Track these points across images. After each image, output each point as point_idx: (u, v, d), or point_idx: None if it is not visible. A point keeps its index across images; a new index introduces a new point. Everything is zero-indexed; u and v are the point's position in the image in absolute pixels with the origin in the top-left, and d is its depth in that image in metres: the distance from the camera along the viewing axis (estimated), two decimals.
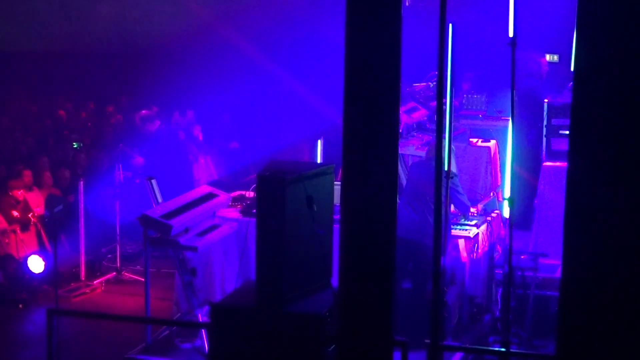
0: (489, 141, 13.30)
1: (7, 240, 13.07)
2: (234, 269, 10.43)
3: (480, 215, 10.98)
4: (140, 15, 21.05)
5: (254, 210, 7.88)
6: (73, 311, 11.51)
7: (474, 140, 13.31)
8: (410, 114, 13.32)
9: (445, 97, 7.89)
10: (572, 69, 4.99)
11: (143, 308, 10.30)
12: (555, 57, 13.50)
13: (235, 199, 11.18)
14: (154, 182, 10.24)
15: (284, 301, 7.52)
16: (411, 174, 10.64)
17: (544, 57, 13.11)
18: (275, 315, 7.50)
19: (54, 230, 12.74)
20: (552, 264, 10.57)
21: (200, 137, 16.75)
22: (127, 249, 13.92)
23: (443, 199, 5.82)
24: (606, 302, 4.74)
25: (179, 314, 10.47)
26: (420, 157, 11.61)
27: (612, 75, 4.65)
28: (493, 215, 11.23)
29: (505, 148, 12.15)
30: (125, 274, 13.18)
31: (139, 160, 14.62)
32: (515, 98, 7.96)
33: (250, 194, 11.18)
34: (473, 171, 12.81)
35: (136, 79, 20.51)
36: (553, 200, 11.32)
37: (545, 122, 11.71)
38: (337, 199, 7.53)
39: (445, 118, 7.79)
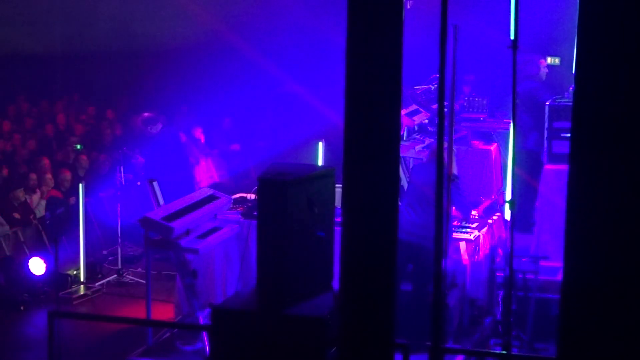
0: (491, 144, 13.30)
1: (8, 242, 13.07)
2: (235, 272, 10.43)
3: (482, 217, 10.98)
4: (141, 17, 21.06)
5: (255, 213, 7.89)
6: (74, 313, 11.51)
7: (476, 143, 13.31)
8: (412, 116, 13.31)
9: (447, 100, 7.89)
10: (573, 71, 4.99)
11: (144, 310, 10.31)
12: (557, 60, 13.51)
13: (236, 202, 11.18)
14: (155, 184, 10.24)
15: (285, 304, 7.52)
16: (412, 176, 10.64)
17: (544, 59, 13.09)
18: (276, 317, 7.50)
19: (55, 232, 12.75)
20: (554, 267, 10.56)
21: (202, 140, 16.75)
22: (128, 251, 13.93)
23: (444, 201, 5.81)
24: (608, 305, 4.73)
25: (180, 317, 10.48)
26: (422, 159, 11.61)
27: (614, 77, 4.64)
28: (494, 217, 11.23)
29: (507, 151, 12.18)
30: (127, 276, 13.19)
31: (140, 160, 14.63)
32: (516, 101, 7.97)
33: (252, 196, 11.18)
34: (474, 174, 12.80)
35: (137, 81, 20.51)
36: (554, 203, 11.31)
37: (546, 125, 11.70)
38: (338, 202, 7.53)
39: (447, 121, 7.79)
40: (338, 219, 6.83)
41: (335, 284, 7.77)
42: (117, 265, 13.38)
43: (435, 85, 13.07)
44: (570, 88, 11.51)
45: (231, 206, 10.80)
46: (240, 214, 10.89)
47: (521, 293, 10.17)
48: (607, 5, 4.64)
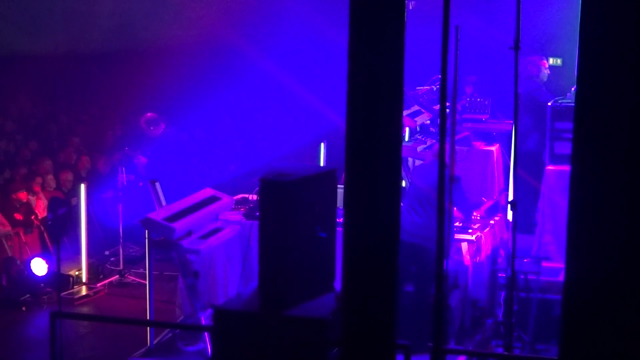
0: (492, 145, 13.30)
1: (10, 243, 13.08)
2: (237, 272, 10.43)
3: (483, 218, 10.98)
4: (144, 18, 21.05)
5: (257, 214, 7.88)
6: (76, 314, 11.52)
7: (478, 143, 13.31)
8: (414, 117, 13.32)
9: (449, 101, 7.89)
10: (575, 72, 5.00)
11: (146, 311, 10.32)
12: (559, 61, 13.52)
13: (238, 202, 11.18)
14: (157, 185, 10.25)
15: (286, 305, 7.51)
16: (414, 177, 10.64)
17: (545, 59, 13.09)
18: (278, 318, 7.50)
19: (57, 233, 12.75)
20: (555, 268, 10.56)
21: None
22: (130, 251, 13.93)
23: (446, 202, 5.82)
24: (610, 306, 4.73)
25: (182, 317, 10.48)
26: (424, 160, 11.61)
27: (616, 78, 4.64)
28: (496, 218, 11.23)
29: (508, 151, 12.18)
30: (128, 276, 13.19)
31: (142, 160, 14.63)
32: (523, 101, 7.98)
33: (254, 197, 11.17)
34: (476, 175, 12.80)
35: (140, 82, 20.50)
36: (556, 203, 11.31)
37: (548, 126, 11.70)
38: (340, 203, 7.53)
39: (449, 122, 7.79)
40: (340, 220, 6.83)
41: (337, 284, 7.77)
42: (119, 266, 13.38)
43: (437, 86, 13.07)
44: (572, 89, 11.52)
45: (233, 207, 10.80)
46: (242, 214, 10.89)
47: (523, 294, 10.17)
48: (609, 5, 4.64)
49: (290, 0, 19.34)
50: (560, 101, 11.82)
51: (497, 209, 11.74)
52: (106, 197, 14.15)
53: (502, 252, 10.94)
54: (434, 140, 12.17)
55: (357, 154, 5.21)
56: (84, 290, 12.74)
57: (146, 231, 9.95)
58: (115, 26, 20.98)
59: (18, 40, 20.53)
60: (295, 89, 18.10)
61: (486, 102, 13.85)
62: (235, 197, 11.15)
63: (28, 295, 12.25)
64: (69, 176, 14.95)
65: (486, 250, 10.59)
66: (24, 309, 12.10)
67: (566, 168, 10.85)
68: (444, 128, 5.87)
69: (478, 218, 10.87)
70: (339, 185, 7.98)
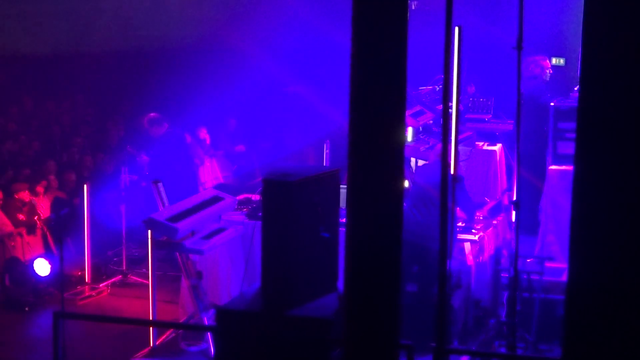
0: (495, 145, 13.31)
1: (13, 244, 13.08)
2: (240, 272, 10.43)
3: (486, 218, 10.97)
4: (147, 18, 21.06)
5: (260, 214, 7.88)
6: (79, 314, 11.52)
7: (480, 143, 13.31)
8: (417, 117, 13.33)
9: (451, 101, 7.89)
10: (578, 72, 4.99)
11: (149, 311, 10.33)
12: (562, 61, 13.51)
13: (241, 202, 11.18)
14: (159, 185, 10.25)
15: (289, 305, 7.52)
16: (417, 177, 10.64)
17: (547, 59, 13.08)
18: (281, 318, 7.50)
19: (60, 233, 12.74)
20: (558, 268, 10.56)
21: (208, 140, 16.75)
22: (133, 252, 13.93)
23: (449, 202, 5.82)
24: (613, 306, 4.73)
25: (185, 317, 10.48)
26: (426, 160, 11.62)
27: (619, 78, 4.64)
28: (499, 218, 11.23)
29: (511, 151, 12.17)
30: (131, 277, 13.19)
31: (144, 158, 14.62)
32: (523, 101, 7.97)
33: (257, 197, 11.18)
34: (479, 174, 12.81)
35: (143, 82, 20.51)
36: (559, 203, 11.31)
37: (551, 126, 11.70)
38: (343, 203, 7.53)
39: (452, 121, 7.79)
40: (343, 220, 6.83)
41: (340, 284, 7.78)
42: (121, 266, 13.38)
43: (440, 86, 13.07)
44: (575, 89, 11.52)
45: (236, 207, 10.80)
46: (245, 214, 10.89)
47: (526, 294, 10.17)
48: (612, 6, 4.64)
49: (293, 0, 19.34)
50: (563, 101, 11.82)
51: (500, 209, 11.74)
52: (109, 197, 14.15)
53: (505, 252, 10.93)
54: (437, 140, 12.17)
55: (360, 154, 5.21)
56: (86, 291, 12.74)
57: (149, 231, 9.95)
58: (117, 26, 21.00)
59: (21, 40, 20.55)
60: (298, 89, 18.11)
61: (489, 102, 13.85)
62: (238, 197, 11.14)
63: (31, 296, 12.25)
64: (72, 176, 14.95)
65: (489, 250, 10.58)
66: (26, 309, 12.10)
67: (569, 168, 10.88)
68: (447, 128, 5.88)
69: (481, 218, 10.86)
70: (342, 186, 7.98)
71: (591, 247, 4.76)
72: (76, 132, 18.59)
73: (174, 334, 10.36)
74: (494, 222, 11.01)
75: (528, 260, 10.35)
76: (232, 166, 16.47)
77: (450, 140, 7.62)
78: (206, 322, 9.79)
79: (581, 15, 4.75)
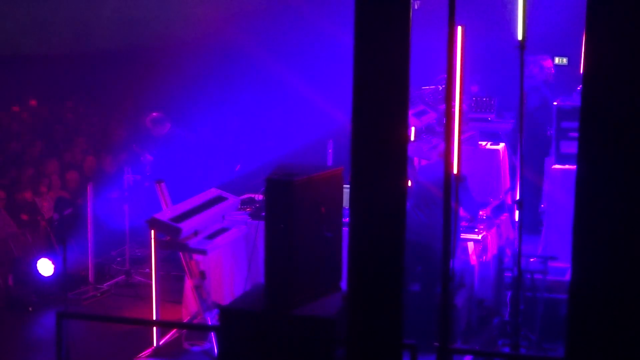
0: (498, 144, 13.30)
1: (16, 244, 13.09)
2: (243, 272, 10.43)
3: (490, 218, 10.97)
4: (150, 18, 21.08)
5: (263, 213, 7.89)
6: (82, 314, 11.52)
7: (483, 143, 13.31)
8: (420, 117, 13.32)
9: (454, 100, 7.89)
10: (581, 71, 4.99)
11: (152, 311, 10.32)
12: (564, 60, 13.50)
13: (244, 202, 11.18)
14: (163, 185, 10.25)
15: (293, 304, 7.52)
16: (420, 176, 10.64)
17: (549, 59, 13.06)
18: (284, 318, 7.50)
19: (63, 233, 12.75)
20: (562, 267, 10.56)
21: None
22: (136, 252, 13.93)
23: (452, 201, 5.81)
24: (616, 305, 4.73)
25: (188, 317, 10.48)
26: (429, 160, 11.61)
27: (622, 77, 4.64)
28: (502, 218, 11.22)
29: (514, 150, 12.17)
30: (135, 277, 13.19)
31: (148, 158, 14.63)
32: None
33: (260, 197, 11.18)
34: (482, 174, 12.79)
35: (146, 82, 20.52)
36: (562, 203, 11.30)
37: (554, 125, 11.69)
38: (346, 202, 7.54)
39: (454, 121, 7.79)
40: (346, 220, 6.83)
41: (343, 284, 7.77)
42: (125, 266, 13.39)
43: (443, 86, 13.07)
44: (578, 88, 11.50)
45: (239, 207, 10.80)
46: (248, 214, 10.90)
47: (529, 293, 10.16)
48: (615, 4, 4.64)
49: (296, 0, 19.35)
50: (565, 100, 11.82)
51: (503, 208, 11.74)
52: (112, 197, 14.16)
53: (508, 252, 10.92)
54: (440, 140, 12.16)
55: (363, 154, 5.22)
56: (90, 291, 12.74)
57: (152, 231, 9.95)
58: (120, 26, 21.02)
59: (24, 40, 20.58)
60: (301, 89, 18.12)
61: (492, 102, 13.84)
62: (241, 197, 11.15)
63: (34, 296, 12.26)
64: (75, 176, 14.96)
65: (492, 249, 10.58)
66: (30, 309, 12.11)
67: (572, 167, 10.88)
68: (450, 127, 5.88)
69: (484, 217, 10.86)
70: (345, 185, 7.98)
71: (594, 247, 4.76)
72: (79, 132, 18.61)
73: (177, 334, 10.36)
74: (497, 221, 11.01)
75: (531, 260, 10.35)
76: (236, 166, 16.47)
77: (453, 139, 7.63)
78: (209, 322, 9.79)
79: (584, 14, 4.75)
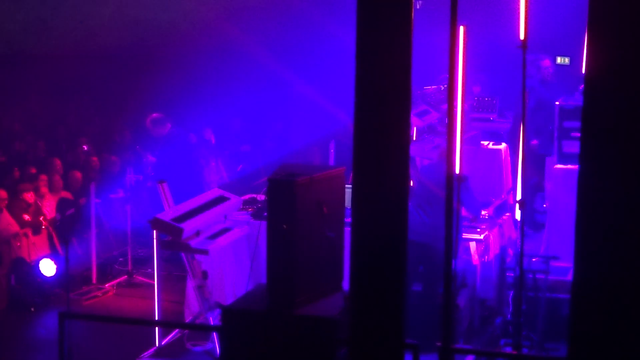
0: (500, 144, 13.29)
1: (18, 244, 13.09)
2: (245, 272, 10.43)
3: (492, 218, 10.97)
4: (150, 18, 21.07)
5: (265, 214, 7.89)
6: (85, 314, 11.53)
7: (485, 143, 13.30)
8: (422, 117, 13.31)
9: (456, 100, 7.89)
10: (583, 71, 4.99)
11: (154, 311, 10.33)
12: (567, 60, 13.49)
13: (246, 202, 11.19)
14: (165, 185, 10.25)
15: (295, 304, 7.51)
16: (422, 177, 10.64)
17: (547, 59, 13.03)
18: (286, 318, 7.50)
19: (66, 233, 12.76)
20: (564, 267, 10.56)
21: (213, 141, 16.77)
22: (138, 252, 13.94)
23: (454, 201, 5.82)
24: (618, 304, 4.73)
25: (190, 317, 10.49)
26: (431, 160, 11.61)
27: (624, 77, 4.64)
28: (504, 217, 11.22)
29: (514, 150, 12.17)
30: (137, 277, 13.20)
31: (151, 159, 14.63)
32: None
33: (262, 197, 11.19)
34: (484, 174, 12.79)
35: (147, 82, 20.53)
36: (564, 202, 11.29)
37: (556, 125, 11.69)
38: (348, 202, 7.53)
39: (456, 121, 7.79)
40: (348, 220, 6.83)
41: (346, 284, 7.78)
42: (127, 266, 13.39)
43: (445, 86, 13.07)
44: (580, 88, 11.50)
45: (241, 207, 10.81)
46: (250, 214, 10.90)
47: (531, 293, 10.17)
48: (616, 4, 4.64)
49: (298, 0, 19.34)
50: (567, 100, 11.81)
51: (505, 208, 11.74)
52: (115, 198, 14.16)
53: (510, 251, 10.93)
54: (442, 140, 12.16)
55: (365, 154, 5.22)
56: (92, 291, 12.74)
57: (154, 231, 9.96)
58: (123, 26, 21.01)
59: (26, 40, 20.57)
60: (303, 89, 18.11)
61: (494, 102, 13.83)
62: (243, 197, 11.15)
63: (37, 296, 12.27)
64: (77, 176, 14.97)
65: (494, 249, 10.58)
66: (32, 309, 12.12)
67: (574, 167, 10.88)
68: (452, 127, 5.88)
69: (486, 217, 10.86)
70: (347, 185, 7.98)
71: (596, 246, 4.76)
72: (82, 132, 18.61)
73: (179, 334, 10.37)
74: (499, 221, 11.01)
75: (533, 260, 10.35)
76: (238, 166, 16.48)
77: (455, 139, 7.63)
78: (212, 322, 9.79)
79: (586, 14, 4.75)
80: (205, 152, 15.81)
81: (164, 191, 10.21)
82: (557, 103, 11.76)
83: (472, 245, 10.21)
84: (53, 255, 12.86)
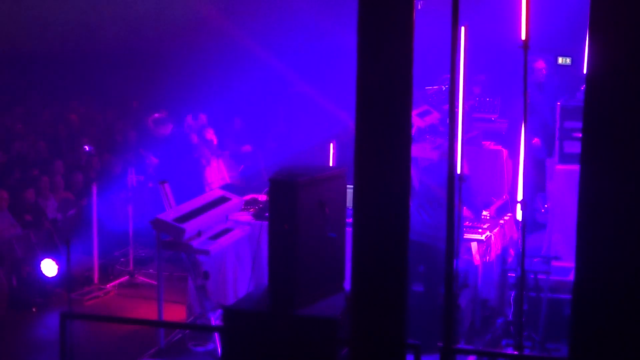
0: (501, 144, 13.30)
1: (20, 244, 13.09)
2: (247, 273, 10.44)
3: (493, 218, 10.97)
4: (152, 18, 21.07)
5: (267, 214, 7.89)
6: (86, 315, 11.53)
7: (487, 143, 13.31)
8: (423, 117, 13.32)
9: (458, 100, 7.90)
10: (584, 71, 4.99)
11: (156, 312, 10.33)
12: (568, 60, 13.49)
13: (247, 203, 11.19)
14: (166, 185, 10.26)
15: (296, 305, 7.52)
16: (423, 177, 10.64)
17: (540, 61, 12.99)
18: (287, 318, 7.50)
19: (67, 233, 12.75)
20: (565, 267, 10.55)
21: (215, 141, 16.77)
22: (140, 252, 13.94)
23: (455, 201, 5.82)
24: (619, 304, 4.73)
25: (192, 318, 10.49)
26: (433, 160, 11.61)
27: (625, 77, 4.64)
28: (505, 218, 11.22)
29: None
30: (138, 277, 13.19)
31: (154, 161, 14.64)
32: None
33: (263, 197, 11.19)
34: (485, 174, 12.79)
35: (148, 82, 20.54)
36: (566, 203, 11.29)
37: (558, 125, 11.69)
38: (349, 203, 7.53)
39: (458, 121, 7.80)
40: (349, 220, 6.83)
41: (347, 284, 7.78)
42: (129, 266, 13.39)
43: (447, 86, 13.07)
44: (582, 88, 11.49)
45: (242, 207, 10.81)
46: (252, 215, 10.90)
47: (533, 293, 10.17)
48: (618, 4, 4.64)
49: (299, 0, 19.35)
50: (569, 100, 11.81)
51: (507, 208, 11.74)
52: (116, 198, 14.16)
53: (511, 252, 10.92)
54: (443, 140, 12.16)
55: (366, 154, 5.22)
56: (94, 291, 12.74)
57: (156, 232, 9.96)
58: (124, 26, 21.01)
59: (27, 40, 20.58)
60: (305, 89, 18.11)
61: (495, 102, 13.84)
62: (244, 198, 11.15)
63: (38, 296, 12.26)
64: (79, 177, 14.97)
65: (496, 249, 10.58)
66: (34, 309, 12.11)
67: (575, 167, 10.88)
68: (453, 128, 5.88)
69: (488, 217, 10.85)
70: (348, 185, 7.98)
71: (598, 247, 4.76)
72: (83, 133, 18.61)
73: (181, 335, 10.37)
74: (501, 221, 11.01)
75: (535, 260, 10.35)
76: (239, 166, 16.48)
77: (457, 139, 7.63)
78: (213, 323, 9.79)
79: (587, 14, 4.75)
80: (207, 152, 15.82)
81: (166, 192, 10.21)
82: (558, 103, 11.76)
83: (474, 245, 10.21)
84: (54, 256, 12.85)
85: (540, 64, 12.79)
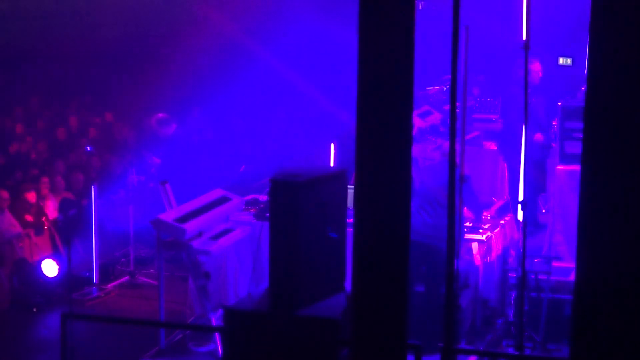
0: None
1: (21, 245, 13.11)
2: (248, 273, 10.44)
3: (494, 218, 10.97)
4: (154, 19, 21.08)
5: (268, 214, 7.89)
6: (87, 315, 11.53)
7: (487, 143, 13.31)
8: (424, 117, 13.32)
9: (459, 101, 7.89)
10: (585, 72, 4.99)
11: (157, 312, 10.34)
12: (569, 60, 13.50)
13: (248, 203, 11.19)
14: (167, 185, 10.26)
15: (297, 305, 7.52)
16: (424, 177, 10.63)
17: (535, 62, 12.93)
18: (288, 319, 7.50)
19: (68, 234, 12.76)
20: (566, 267, 10.56)
21: (215, 141, 16.77)
22: (140, 253, 13.94)
23: (456, 202, 5.82)
24: (621, 305, 4.73)
25: (193, 318, 10.49)
26: (433, 160, 11.61)
27: (626, 78, 4.64)
28: (506, 218, 11.22)
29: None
30: (139, 277, 13.19)
31: (156, 161, 14.63)
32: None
33: (264, 197, 11.19)
34: (486, 174, 12.79)
35: (149, 82, 20.52)
36: (566, 203, 11.29)
37: (559, 125, 11.69)
38: (350, 203, 7.54)
39: (459, 121, 7.79)
40: (350, 220, 6.83)
41: (348, 285, 7.78)
42: (129, 267, 13.39)
43: (448, 86, 13.07)
44: (582, 88, 11.49)
45: (243, 207, 10.81)
46: (253, 215, 10.90)
47: (534, 294, 10.17)
48: (619, 5, 4.64)
49: (300, 1, 19.35)
50: (570, 101, 11.82)
51: (508, 208, 11.74)
52: (117, 198, 14.17)
53: (512, 252, 10.92)
54: (444, 140, 12.16)
55: (367, 155, 5.22)
56: (94, 292, 12.75)
57: (157, 232, 9.96)
58: (124, 27, 21.01)
59: (28, 40, 20.57)
60: (305, 90, 18.11)
61: (496, 102, 13.83)
62: (245, 198, 11.15)
63: (39, 297, 12.26)
64: (79, 177, 14.98)
65: (497, 250, 10.58)
66: (34, 310, 12.11)
67: (576, 167, 10.88)
68: (454, 128, 5.88)
69: (488, 218, 10.85)
70: (349, 186, 7.99)
71: (599, 247, 4.76)
72: (84, 133, 18.62)
73: (181, 335, 10.37)
74: (502, 222, 11.01)
75: (536, 260, 10.35)
76: (240, 167, 16.48)
77: (458, 140, 7.63)
78: (214, 323, 9.80)
79: (588, 14, 4.75)
80: (207, 152, 15.82)
81: (166, 192, 10.21)
82: (559, 104, 11.76)
83: (475, 245, 10.21)
84: (55, 256, 12.87)
85: (536, 66, 12.74)
